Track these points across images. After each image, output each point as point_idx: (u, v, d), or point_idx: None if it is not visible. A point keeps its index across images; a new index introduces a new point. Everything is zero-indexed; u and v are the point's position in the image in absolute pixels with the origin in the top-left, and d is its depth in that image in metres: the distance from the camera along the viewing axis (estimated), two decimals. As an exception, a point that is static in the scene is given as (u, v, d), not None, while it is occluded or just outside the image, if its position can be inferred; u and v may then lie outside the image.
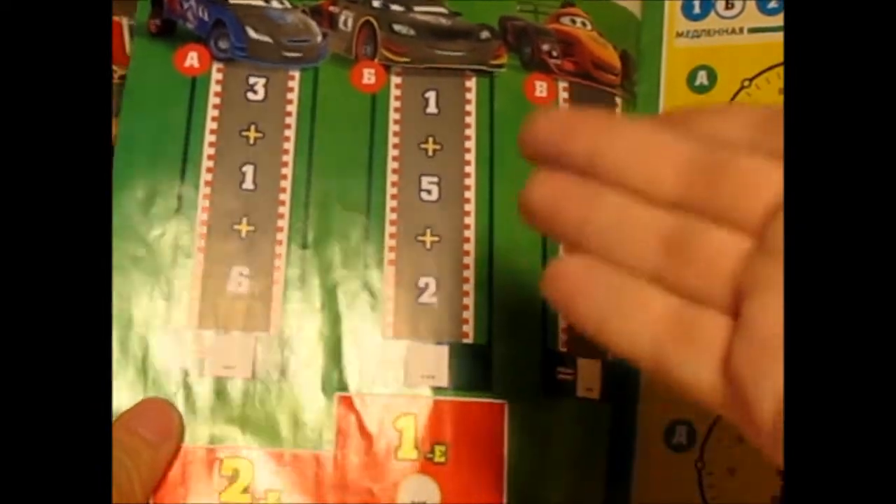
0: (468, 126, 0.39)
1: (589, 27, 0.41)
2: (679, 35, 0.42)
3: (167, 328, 0.36)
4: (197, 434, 0.35)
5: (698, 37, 0.42)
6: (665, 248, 0.25)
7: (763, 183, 0.24)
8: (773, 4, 0.41)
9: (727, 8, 0.42)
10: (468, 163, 0.39)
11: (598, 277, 0.26)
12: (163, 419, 0.35)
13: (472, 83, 0.40)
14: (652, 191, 0.25)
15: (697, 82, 0.41)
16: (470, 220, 0.38)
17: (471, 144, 0.39)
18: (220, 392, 0.36)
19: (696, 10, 0.42)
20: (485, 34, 0.40)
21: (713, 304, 0.24)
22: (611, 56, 0.41)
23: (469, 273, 0.38)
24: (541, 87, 0.40)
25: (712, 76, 0.41)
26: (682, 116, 0.27)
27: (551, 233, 0.27)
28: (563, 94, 0.40)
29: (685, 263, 0.25)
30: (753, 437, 0.24)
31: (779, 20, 0.41)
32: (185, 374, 0.36)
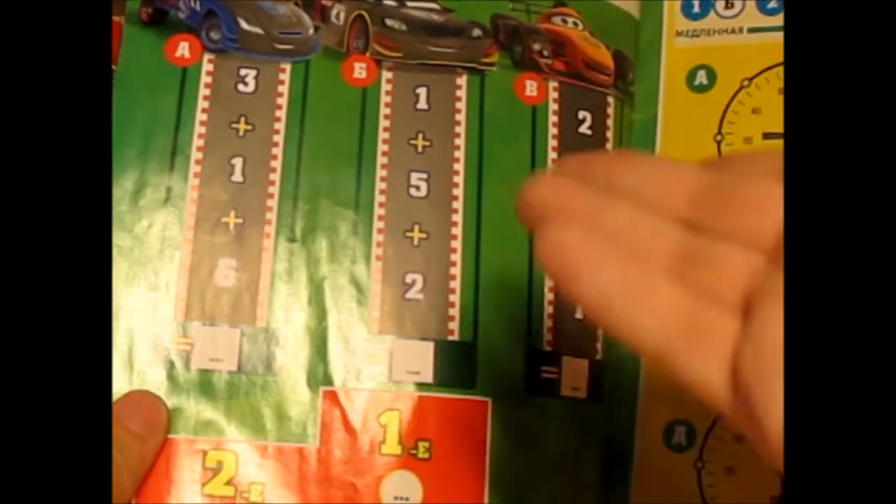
0: (458, 123, 0.39)
1: (581, 27, 0.41)
2: (678, 34, 0.42)
3: (154, 320, 0.36)
4: (182, 426, 0.35)
5: (698, 36, 0.42)
6: (678, 255, 0.25)
7: (776, 202, 0.24)
8: (772, 4, 0.41)
9: (727, 7, 0.42)
10: (457, 160, 0.39)
11: (606, 254, 0.24)
12: (150, 412, 0.35)
13: (462, 80, 0.40)
14: (665, 207, 0.25)
15: (697, 82, 0.42)
16: (458, 218, 0.38)
17: (460, 142, 0.39)
18: (205, 384, 0.36)
19: (696, 9, 0.42)
20: (476, 32, 0.40)
21: (726, 306, 0.24)
22: (603, 56, 0.41)
23: (456, 270, 0.38)
24: (531, 87, 0.40)
25: (712, 76, 0.41)
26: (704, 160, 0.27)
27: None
28: (554, 94, 0.40)
29: (699, 268, 0.24)
30: (758, 445, 0.24)
31: (779, 20, 0.41)
32: (171, 366, 0.36)
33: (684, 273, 0.24)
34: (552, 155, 0.40)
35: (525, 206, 0.26)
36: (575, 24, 0.42)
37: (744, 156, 0.27)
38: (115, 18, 0.38)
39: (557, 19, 0.41)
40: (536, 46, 0.41)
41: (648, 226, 0.25)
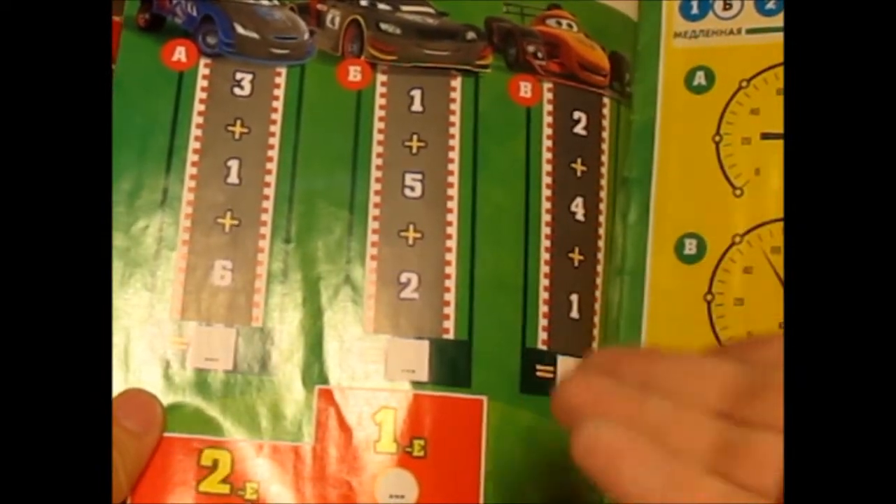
0: (452, 125, 0.39)
1: (575, 29, 0.42)
2: (677, 35, 0.42)
3: (150, 319, 0.36)
4: (177, 424, 0.35)
5: (696, 37, 0.42)
6: (716, 448, 0.25)
7: None
8: (770, 5, 0.41)
9: (725, 9, 0.42)
10: (451, 161, 0.39)
11: (646, 451, 0.25)
12: (146, 410, 0.35)
13: (457, 83, 0.40)
14: (700, 402, 0.26)
15: (695, 83, 0.42)
16: (452, 217, 0.38)
17: (454, 143, 0.39)
18: (201, 383, 0.36)
19: (694, 10, 0.42)
20: (471, 35, 0.41)
21: (764, 493, 0.24)
22: (598, 57, 0.42)
23: (450, 269, 0.38)
24: (525, 88, 0.40)
25: (710, 77, 0.42)
26: (727, 348, 0.28)
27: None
28: (548, 95, 0.41)
29: (737, 459, 0.25)
30: None
31: (777, 21, 0.41)
32: (167, 365, 0.36)
33: (723, 465, 0.25)
34: (547, 155, 0.40)
35: (560, 406, 0.27)
36: (569, 25, 0.42)
37: (765, 342, 0.27)
38: (115, 18, 0.39)
39: (552, 21, 0.42)
40: (531, 48, 0.41)
41: (685, 421, 0.25)
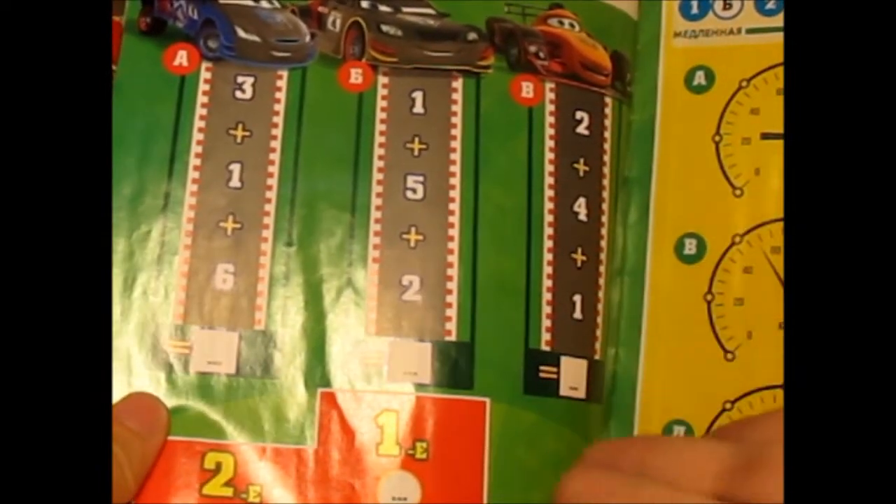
0: (454, 126, 0.39)
1: (577, 28, 0.42)
2: (677, 35, 0.42)
3: (152, 324, 0.36)
4: (181, 428, 0.36)
5: (696, 37, 0.42)
6: None
7: None
8: (770, 5, 0.41)
9: (725, 8, 0.42)
10: (453, 162, 0.39)
11: None
12: (150, 412, 0.35)
13: (458, 84, 0.40)
14: (696, 486, 0.26)
15: (695, 82, 0.42)
16: (454, 219, 0.38)
17: (456, 144, 0.39)
18: (204, 387, 0.36)
19: (694, 10, 0.42)
20: (472, 35, 0.41)
21: None
22: (600, 57, 0.42)
23: (453, 271, 0.38)
24: (527, 88, 0.40)
25: (710, 76, 0.41)
26: (722, 430, 0.29)
27: None
28: (550, 95, 0.40)
29: None
30: None
31: (777, 21, 0.41)
32: (170, 369, 0.36)
33: None
34: (549, 155, 0.40)
35: (562, 501, 0.28)
36: (571, 25, 0.42)
37: (760, 421, 0.28)
38: (115, 18, 0.39)
39: (553, 21, 0.42)
40: (532, 48, 0.41)
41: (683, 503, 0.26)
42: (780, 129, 0.39)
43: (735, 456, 0.26)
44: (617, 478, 0.27)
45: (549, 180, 0.40)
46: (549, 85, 0.41)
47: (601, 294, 0.40)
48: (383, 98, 0.40)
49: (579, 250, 0.39)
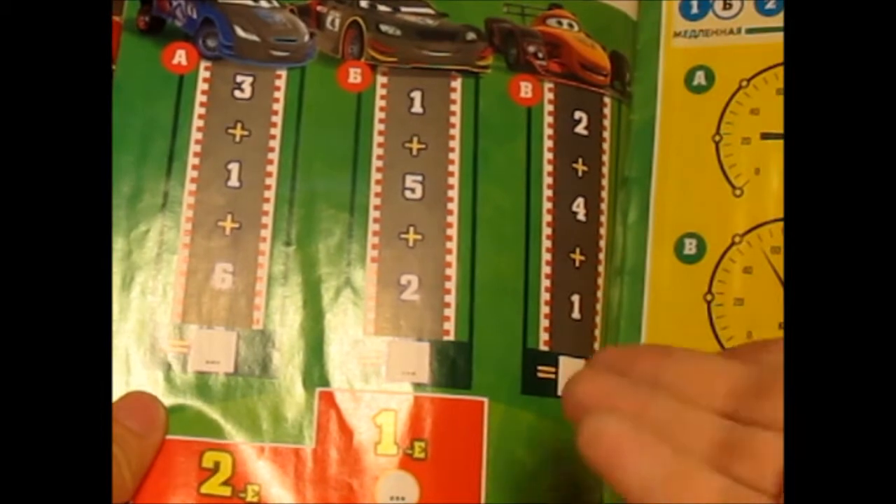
0: (453, 126, 0.39)
1: (576, 28, 0.42)
2: (677, 35, 0.42)
3: (151, 323, 0.36)
4: (179, 427, 0.35)
5: (696, 37, 0.42)
6: (718, 445, 0.25)
7: None
8: (770, 5, 0.41)
9: (725, 8, 0.42)
10: (452, 162, 0.39)
11: (650, 445, 0.26)
12: (148, 411, 0.35)
13: (457, 84, 0.40)
14: (706, 401, 0.26)
15: (695, 82, 0.42)
16: (453, 219, 0.38)
17: (455, 144, 0.39)
18: (202, 386, 0.36)
19: (694, 10, 0.42)
20: (471, 35, 0.41)
21: (763, 490, 0.25)
22: (599, 57, 0.42)
23: (451, 271, 0.38)
24: (526, 88, 0.40)
25: (710, 76, 0.41)
26: (735, 349, 0.28)
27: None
28: (549, 95, 0.40)
29: (738, 458, 0.25)
30: None
31: (777, 21, 0.41)
32: (169, 368, 0.36)
33: (724, 462, 0.25)
34: (548, 155, 0.40)
35: (569, 401, 0.28)
36: (570, 25, 0.42)
37: (773, 344, 0.28)
38: (116, 18, 0.39)
39: (552, 21, 0.42)
40: (531, 48, 0.41)
41: (691, 419, 0.26)
42: (780, 129, 0.39)
43: (748, 376, 0.26)
44: (627, 384, 0.27)
45: (547, 180, 0.40)
46: (547, 85, 0.41)
47: (600, 294, 0.40)
48: (382, 98, 0.39)
49: (578, 250, 0.39)
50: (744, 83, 0.41)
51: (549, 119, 0.40)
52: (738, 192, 0.40)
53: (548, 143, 0.40)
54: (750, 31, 0.41)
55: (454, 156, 0.39)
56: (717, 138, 0.41)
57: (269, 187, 0.38)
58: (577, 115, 0.41)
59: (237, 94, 0.39)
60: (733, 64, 0.41)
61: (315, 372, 0.37)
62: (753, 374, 0.26)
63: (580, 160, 0.40)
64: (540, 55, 0.41)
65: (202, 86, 0.39)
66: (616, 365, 0.28)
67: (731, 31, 0.42)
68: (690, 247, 0.40)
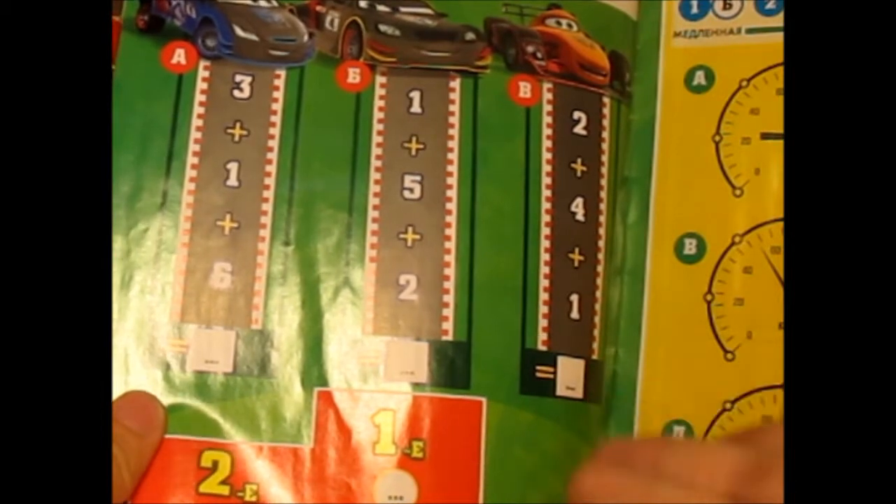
0: (451, 126, 0.39)
1: (575, 28, 0.42)
2: (676, 35, 0.42)
3: (150, 322, 0.36)
4: (177, 426, 0.35)
5: (696, 37, 0.42)
6: None
7: None
8: (770, 5, 0.41)
9: (725, 8, 0.42)
10: (451, 162, 0.39)
11: None
12: (147, 410, 0.35)
13: (456, 84, 0.40)
14: (710, 488, 0.26)
15: (695, 82, 0.42)
16: (451, 219, 0.38)
17: (454, 144, 0.39)
18: (201, 386, 0.36)
19: (694, 10, 0.42)
20: (470, 35, 0.41)
21: None
22: (598, 57, 0.42)
23: (450, 271, 0.38)
24: (525, 88, 0.40)
25: (710, 76, 0.42)
26: (735, 434, 0.28)
27: None
28: (548, 95, 0.40)
29: None
30: None
31: (777, 21, 0.41)
32: (167, 367, 0.36)
33: None
34: (546, 155, 0.40)
35: (577, 497, 0.28)
36: (569, 25, 0.42)
37: (772, 429, 0.28)
38: (116, 18, 0.39)
39: (551, 21, 0.42)
40: (530, 48, 0.41)
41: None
42: (780, 129, 0.39)
43: (749, 460, 0.26)
44: (630, 476, 0.27)
45: (546, 180, 0.40)
46: (546, 85, 0.41)
47: (599, 294, 0.40)
48: (381, 98, 0.39)
49: (576, 250, 0.39)
50: (744, 83, 0.41)
51: (547, 119, 0.40)
52: (738, 192, 0.40)
53: (547, 144, 0.40)
54: (750, 31, 0.42)
55: (453, 156, 0.39)
56: (717, 138, 0.41)
57: (267, 187, 0.38)
58: (576, 115, 0.41)
59: (236, 93, 0.39)
60: (733, 64, 0.41)
61: (314, 371, 0.37)
62: (753, 458, 0.26)
63: (579, 160, 0.40)
64: (539, 55, 0.41)
65: (201, 85, 0.39)
66: (618, 459, 0.28)
67: (731, 31, 0.42)
68: (690, 247, 0.40)
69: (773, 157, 0.39)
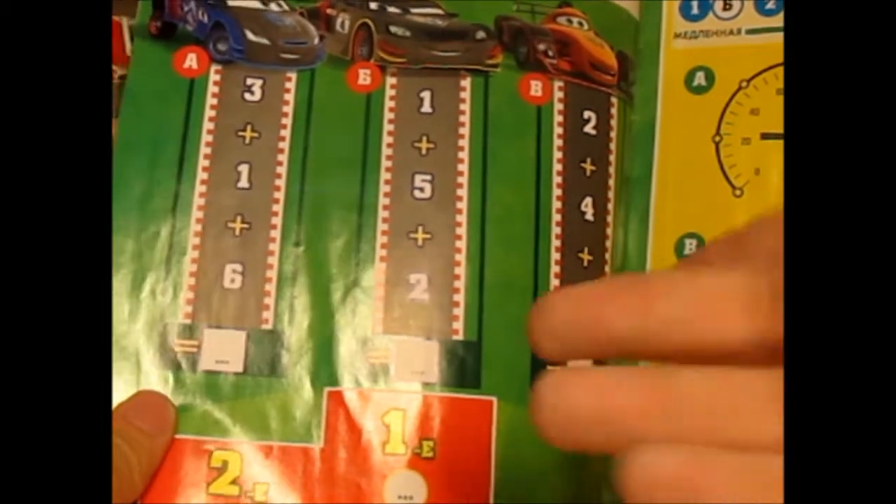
0: (462, 125, 0.39)
1: (586, 27, 0.42)
2: (677, 36, 0.42)
3: (161, 323, 0.37)
4: (188, 426, 0.36)
5: (696, 38, 0.42)
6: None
7: None
8: (770, 5, 0.41)
9: (725, 9, 0.42)
10: (461, 161, 0.39)
11: (723, 468, 0.21)
12: (158, 410, 0.36)
13: (466, 83, 0.40)
14: (727, 342, 0.22)
15: (695, 83, 0.41)
16: (462, 218, 0.38)
17: (464, 143, 0.39)
18: (211, 386, 0.36)
19: (695, 10, 0.42)
20: (480, 34, 0.41)
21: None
22: (608, 56, 0.41)
23: (460, 270, 0.38)
24: (536, 87, 0.40)
25: (710, 77, 0.41)
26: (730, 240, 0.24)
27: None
28: (559, 94, 0.40)
29: None
30: None
31: (777, 21, 0.41)
32: (178, 367, 0.36)
33: None
34: (557, 154, 0.40)
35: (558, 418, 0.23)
36: (580, 24, 0.42)
37: (754, 231, 0.25)
38: (116, 18, 0.39)
39: (563, 19, 0.42)
40: (541, 47, 0.41)
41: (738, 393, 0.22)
42: (780, 129, 0.39)
43: (764, 289, 0.22)
44: (636, 376, 0.21)
45: (557, 179, 0.40)
46: (557, 84, 0.40)
47: (609, 293, 0.39)
48: (391, 98, 0.40)
49: (586, 250, 0.39)
50: (744, 83, 0.41)
51: (558, 118, 0.40)
52: (738, 192, 0.39)
53: (557, 143, 0.40)
54: (750, 31, 0.41)
55: (463, 155, 0.39)
56: (717, 139, 0.40)
57: (278, 188, 0.38)
58: (587, 114, 0.40)
59: (247, 96, 0.39)
60: (733, 64, 0.41)
61: (324, 371, 0.37)
62: (769, 285, 0.22)
63: (588, 160, 0.40)
64: (550, 53, 0.41)
65: (213, 89, 0.39)
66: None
67: (731, 32, 0.41)
68: (690, 247, 0.40)
69: (773, 157, 0.39)
